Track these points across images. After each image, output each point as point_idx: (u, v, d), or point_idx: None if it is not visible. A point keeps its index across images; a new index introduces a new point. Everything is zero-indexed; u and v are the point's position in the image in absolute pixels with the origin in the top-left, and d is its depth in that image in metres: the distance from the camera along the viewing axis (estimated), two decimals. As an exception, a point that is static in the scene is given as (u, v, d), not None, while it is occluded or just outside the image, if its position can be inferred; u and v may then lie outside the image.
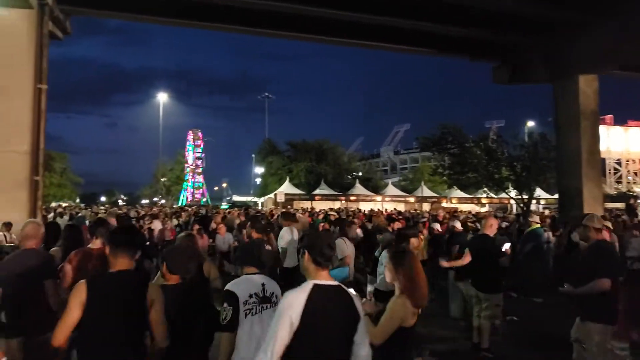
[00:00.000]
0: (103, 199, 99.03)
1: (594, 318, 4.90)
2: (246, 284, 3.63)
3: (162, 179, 60.56)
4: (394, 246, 4.51)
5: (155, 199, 69.87)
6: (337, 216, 18.18)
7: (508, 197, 25.69)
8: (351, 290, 3.24)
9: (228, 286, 3.60)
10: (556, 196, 22.08)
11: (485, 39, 18.13)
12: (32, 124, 12.54)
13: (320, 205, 36.35)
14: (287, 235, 8.67)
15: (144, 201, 75.74)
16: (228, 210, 30.58)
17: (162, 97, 50.11)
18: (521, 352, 7.22)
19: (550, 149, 21.02)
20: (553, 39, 17.56)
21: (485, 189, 25.63)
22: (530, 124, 44.36)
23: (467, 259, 7.13)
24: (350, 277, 7.44)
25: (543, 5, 15.16)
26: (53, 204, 42.20)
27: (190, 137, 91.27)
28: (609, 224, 11.64)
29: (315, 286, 2.90)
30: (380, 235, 8.36)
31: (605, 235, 10.14)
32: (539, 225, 11.65)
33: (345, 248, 7.40)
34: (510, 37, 17.98)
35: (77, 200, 61.59)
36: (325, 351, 2.84)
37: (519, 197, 22.55)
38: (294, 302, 2.82)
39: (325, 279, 2.99)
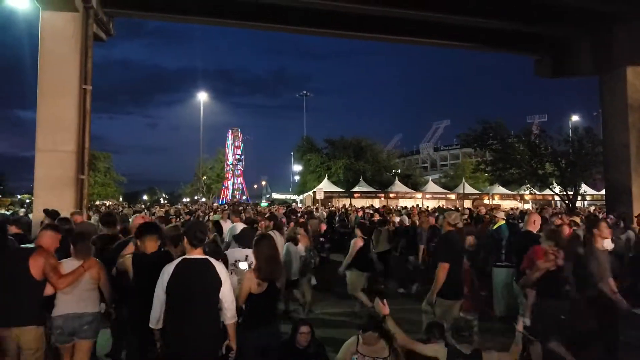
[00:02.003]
0: (145, 197, 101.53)
1: (440, 294, 5.76)
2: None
3: (203, 178, 61.44)
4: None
5: (196, 197, 71.06)
6: (377, 216, 18.12)
7: (552, 193, 25.08)
8: (244, 265, 4.99)
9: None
10: (603, 192, 21.36)
11: (529, 32, 17.69)
12: (77, 124, 12.93)
13: (359, 203, 36.21)
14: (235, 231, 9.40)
15: (185, 199, 77.15)
16: (268, 208, 30.78)
17: (202, 97, 50.75)
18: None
19: (596, 143, 20.40)
20: (599, 30, 16.98)
21: (529, 185, 25.11)
22: (575, 118, 43.16)
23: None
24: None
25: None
26: (97, 202, 43.47)
27: (230, 136, 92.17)
28: (578, 220, 11.38)
29: (184, 259, 3.98)
30: None
31: (566, 230, 10.00)
32: (504, 222, 11.35)
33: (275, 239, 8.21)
34: (554, 29, 17.49)
35: (121, 199, 63.24)
36: (190, 305, 3.89)
37: (564, 193, 21.99)
38: (166, 270, 3.93)
39: (195, 255, 4.01)
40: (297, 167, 55.72)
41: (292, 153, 60.87)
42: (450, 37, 18.15)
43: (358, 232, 9.08)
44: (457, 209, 22.60)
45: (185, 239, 4.08)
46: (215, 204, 49.80)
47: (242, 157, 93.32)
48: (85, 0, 12.96)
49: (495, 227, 10.94)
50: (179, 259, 4.01)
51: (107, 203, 47.87)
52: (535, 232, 7.05)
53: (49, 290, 4.69)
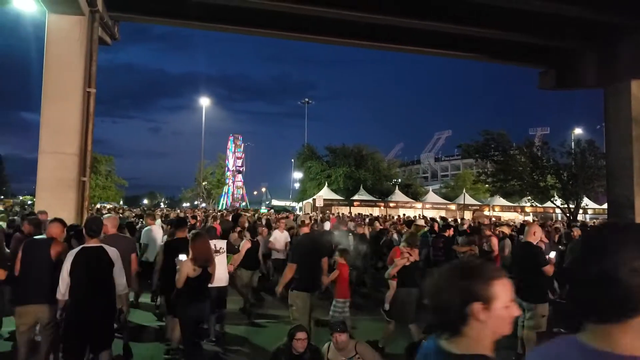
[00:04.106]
0: (146, 201, 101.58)
1: (293, 288, 6.82)
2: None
3: (203, 183, 61.46)
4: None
5: (196, 202, 71.04)
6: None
7: (553, 206, 25.06)
8: (183, 256, 5.87)
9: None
10: (605, 206, 21.32)
11: (533, 44, 17.72)
12: (80, 126, 12.95)
13: (358, 211, 36.19)
14: (153, 233, 10.37)
15: (185, 204, 77.17)
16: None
17: (205, 102, 50.90)
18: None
19: (599, 156, 20.40)
20: (605, 43, 17.01)
21: (530, 197, 25.11)
22: (578, 131, 43.19)
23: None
24: None
25: (592, 8, 14.74)
26: (98, 206, 43.44)
27: (230, 143, 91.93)
28: (506, 230, 11.79)
29: (83, 248, 5.25)
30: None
31: (494, 241, 10.64)
32: (425, 229, 11.82)
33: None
34: (559, 41, 17.52)
35: (121, 202, 63.26)
36: (88, 283, 5.07)
37: (565, 206, 21.98)
38: (69, 256, 5.13)
39: (92, 243, 5.28)
40: (297, 175, 55.75)
41: (292, 160, 61.00)
42: (454, 47, 18.19)
43: (247, 234, 10.07)
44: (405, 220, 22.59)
45: (84, 231, 5.43)
46: (217, 209, 49.71)
47: (243, 168, 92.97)
48: (92, 4, 13.01)
49: (418, 234, 11.24)
50: (79, 247, 5.30)
51: (108, 206, 47.89)
52: (535, 243, 7.03)
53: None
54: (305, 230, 7.70)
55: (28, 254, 5.60)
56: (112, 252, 5.34)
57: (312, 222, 12.59)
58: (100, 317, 5.15)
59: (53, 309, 5.52)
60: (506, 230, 12.18)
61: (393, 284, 7.42)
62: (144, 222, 14.24)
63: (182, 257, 5.82)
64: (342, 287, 7.45)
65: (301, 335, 4.84)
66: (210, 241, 7.33)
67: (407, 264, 7.09)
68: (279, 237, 12.01)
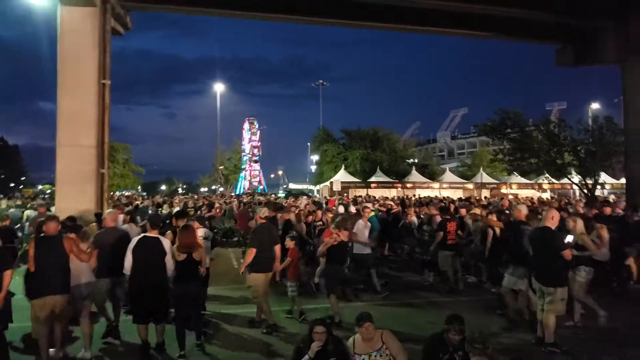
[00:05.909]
0: (163, 187, 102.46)
1: (251, 270, 7.76)
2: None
3: (220, 168, 61.67)
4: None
5: (213, 187, 71.45)
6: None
7: (570, 182, 24.73)
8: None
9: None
10: (623, 181, 21.04)
11: (550, 21, 17.39)
12: (97, 118, 13.08)
13: (376, 193, 36.12)
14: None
15: (203, 189, 77.75)
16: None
17: (219, 87, 50.86)
18: (589, 347, 6.96)
19: (616, 132, 20.05)
20: (623, 18, 16.63)
21: (547, 174, 24.82)
22: (595, 106, 42.38)
23: None
24: None
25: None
26: (117, 194, 43.89)
27: (246, 127, 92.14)
28: (478, 212, 11.70)
29: (144, 236, 6.57)
30: None
31: (437, 219, 11.18)
32: (372, 214, 11.89)
33: None
34: (576, 17, 17.16)
35: (139, 189, 63.78)
36: (146, 263, 6.35)
37: (583, 182, 21.70)
38: (133, 242, 6.47)
39: (152, 234, 6.58)
40: (314, 158, 55.67)
41: (308, 143, 60.89)
42: (471, 26, 17.94)
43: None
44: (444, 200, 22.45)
45: (148, 223, 6.81)
46: (232, 194, 50.00)
47: (259, 155, 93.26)
48: (103, -5, 13.08)
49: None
50: (141, 235, 6.60)
51: (126, 194, 48.35)
52: (553, 227, 6.97)
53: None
54: (262, 221, 8.15)
55: (42, 251, 5.96)
56: (166, 243, 6.56)
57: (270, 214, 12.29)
58: (154, 290, 6.33)
59: (64, 298, 6.03)
60: (478, 212, 11.72)
61: (322, 260, 8.53)
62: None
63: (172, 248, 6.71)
64: (293, 271, 8.32)
65: (319, 329, 4.89)
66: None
67: (335, 243, 8.05)
68: (362, 228, 9.96)
